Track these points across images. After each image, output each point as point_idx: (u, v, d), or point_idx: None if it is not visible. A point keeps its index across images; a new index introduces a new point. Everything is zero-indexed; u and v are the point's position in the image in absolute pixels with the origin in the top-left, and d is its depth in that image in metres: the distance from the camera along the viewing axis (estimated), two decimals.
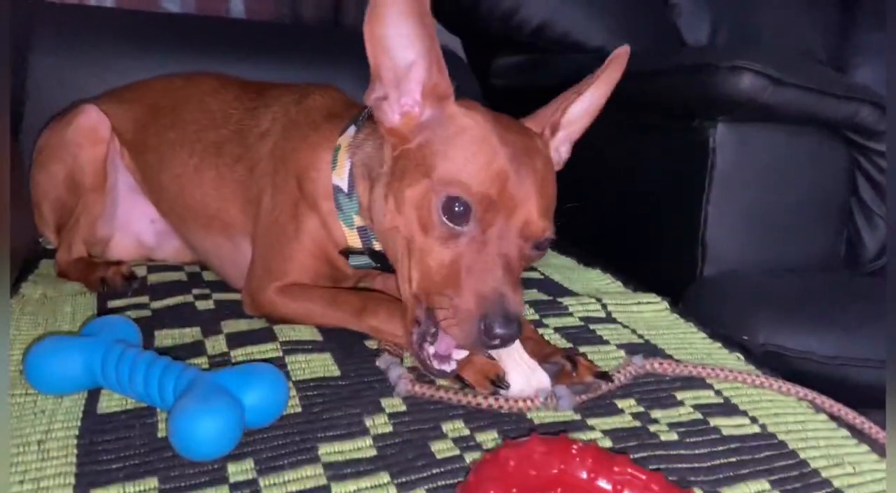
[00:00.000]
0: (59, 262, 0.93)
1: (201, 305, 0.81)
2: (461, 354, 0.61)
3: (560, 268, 1.01)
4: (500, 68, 1.90)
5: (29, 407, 0.59)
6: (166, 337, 0.72)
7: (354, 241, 0.74)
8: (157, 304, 0.81)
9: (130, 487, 0.50)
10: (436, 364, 0.61)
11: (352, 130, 0.75)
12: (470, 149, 0.62)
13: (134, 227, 0.98)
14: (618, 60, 0.73)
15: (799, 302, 1.08)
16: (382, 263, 0.72)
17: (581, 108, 0.74)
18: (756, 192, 1.15)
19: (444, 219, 0.60)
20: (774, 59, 1.08)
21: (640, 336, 0.78)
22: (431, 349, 0.60)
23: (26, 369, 0.60)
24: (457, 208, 0.60)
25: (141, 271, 0.92)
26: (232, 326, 0.74)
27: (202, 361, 0.66)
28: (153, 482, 0.50)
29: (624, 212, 1.33)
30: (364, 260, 0.75)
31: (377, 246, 0.72)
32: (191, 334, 0.73)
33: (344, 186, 0.73)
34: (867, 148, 1.17)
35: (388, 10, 0.60)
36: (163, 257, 0.99)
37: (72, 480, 0.50)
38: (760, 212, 1.16)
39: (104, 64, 1.10)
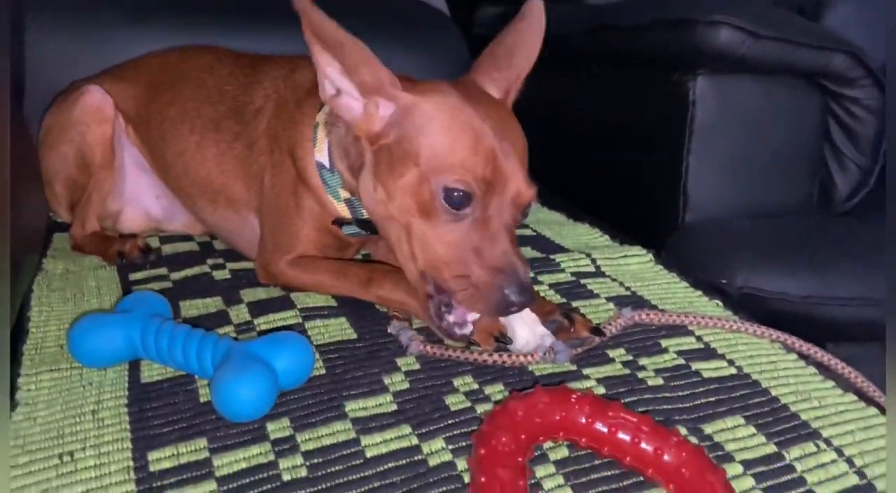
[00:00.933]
0: (73, 236, 0.97)
1: (218, 275, 0.86)
2: (475, 316, 0.67)
3: (551, 223, 1.07)
4: (482, 18, 1.92)
5: (76, 380, 0.65)
6: (191, 307, 0.78)
7: (344, 212, 0.79)
8: (175, 275, 0.86)
9: (183, 447, 0.56)
10: (457, 330, 0.67)
11: (326, 108, 0.78)
12: (452, 134, 0.65)
13: (142, 201, 1.02)
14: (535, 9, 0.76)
15: (774, 245, 1.15)
16: (373, 230, 0.76)
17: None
18: (734, 141, 1.21)
19: (447, 206, 0.64)
20: (751, 13, 1.11)
21: (628, 288, 0.85)
22: (451, 318, 0.66)
23: (71, 345, 0.66)
24: (456, 195, 0.64)
25: (154, 243, 0.97)
26: (251, 295, 0.80)
27: (229, 329, 0.72)
28: (203, 442, 0.57)
29: (609, 164, 1.38)
30: (355, 229, 0.80)
31: (365, 215, 0.76)
32: (213, 303, 0.78)
33: (326, 162, 0.77)
34: (839, 95, 1.22)
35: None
36: (172, 228, 1.03)
37: (129, 445, 0.57)
38: (739, 160, 1.22)
39: (103, 37, 1.12)
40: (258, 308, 0.76)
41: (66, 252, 0.97)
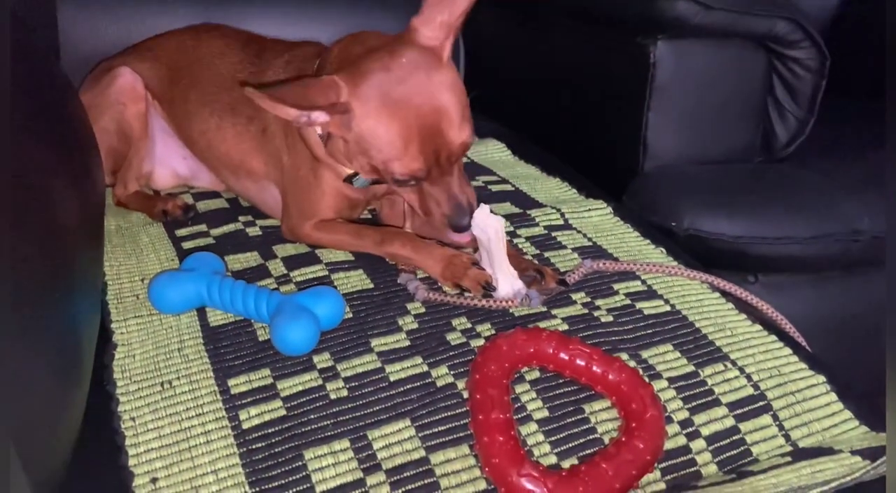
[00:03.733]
0: (116, 195, 1.13)
1: (251, 231, 1.03)
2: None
3: (527, 178, 1.24)
4: None
5: (157, 324, 0.83)
6: (235, 262, 0.95)
7: (350, 170, 0.94)
8: (215, 231, 1.03)
9: (253, 375, 0.75)
10: (456, 238, 0.89)
11: None
12: (389, 133, 0.79)
13: (171, 162, 1.17)
14: None
15: (716, 190, 1.34)
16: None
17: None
18: (689, 98, 1.38)
19: (401, 183, 0.84)
20: None
21: (590, 240, 1.03)
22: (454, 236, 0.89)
23: (151, 296, 0.83)
24: (405, 179, 0.83)
25: (188, 200, 1.12)
26: (282, 250, 0.96)
27: (271, 281, 0.90)
28: (267, 372, 0.75)
29: (580, 115, 1.54)
30: (363, 180, 0.95)
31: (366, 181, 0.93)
32: (252, 257, 0.95)
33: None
34: (782, 55, 1.39)
35: None
36: (199, 185, 1.18)
37: (211, 374, 0.75)
38: (692, 114, 1.40)
39: (132, 10, 1.22)
40: (291, 263, 0.93)
41: (112, 208, 1.12)
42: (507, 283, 0.86)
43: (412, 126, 0.80)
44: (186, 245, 0.99)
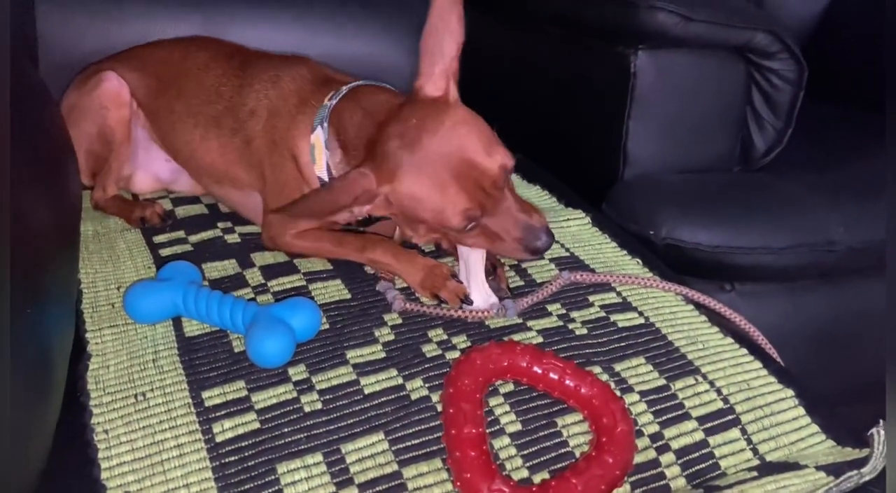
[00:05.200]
0: (95, 199, 1.12)
1: (230, 238, 1.02)
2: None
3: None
4: None
5: (133, 334, 0.83)
6: (212, 270, 0.94)
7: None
8: (193, 238, 1.02)
9: (227, 387, 0.75)
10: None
11: (319, 131, 0.92)
12: (435, 195, 0.81)
13: (152, 166, 1.16)
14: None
15: (694, 199, 1.35)
16: (369, 223, 0.95)
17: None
18: (670, 107, 1.39)
19: (465, 231, 0.84)
20: None
21: (567, 250, 1.04)
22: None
23: (127, 306, 0.83)
24: (466, 226, 0.83)
25: (167, 206, 1.12)
26: (260, 259, 0.96)
27: (248, 291, 0.90)
28: (241, 384, 0.76)
29: (561, 122, 1.55)
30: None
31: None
32: (230, 266, 0.95)
33: (325, 177, 0.93)
34: (761, 66, 1.40)
35: None
36: (179, 189, 1.18)
37: (185, 386, 0.75)
38: (672, 123, 1.41)
39: (112, 11, 1.21)
40: (269, 272, 0.93)
41: (89, 212, 1.11)
42: (481, 296, 0.86)
43: (442, 173, 0.81)
44: (164, 252, 0.99)
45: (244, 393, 0.75)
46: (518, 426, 0.73)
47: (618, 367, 0.81)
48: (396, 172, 0.82)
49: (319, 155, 0.93)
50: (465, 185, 0.81)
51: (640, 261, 1.04)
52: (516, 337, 0.83)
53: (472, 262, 0.87)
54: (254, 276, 0.93)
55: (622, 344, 0.85)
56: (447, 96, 0.86)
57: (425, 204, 0.83)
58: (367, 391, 0.75)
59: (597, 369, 0.80)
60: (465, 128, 0.84)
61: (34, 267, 0.66)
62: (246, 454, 0.68)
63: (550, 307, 0.90)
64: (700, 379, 0.81)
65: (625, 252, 1.06)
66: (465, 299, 0.87)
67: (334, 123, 0.92)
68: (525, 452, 0.71)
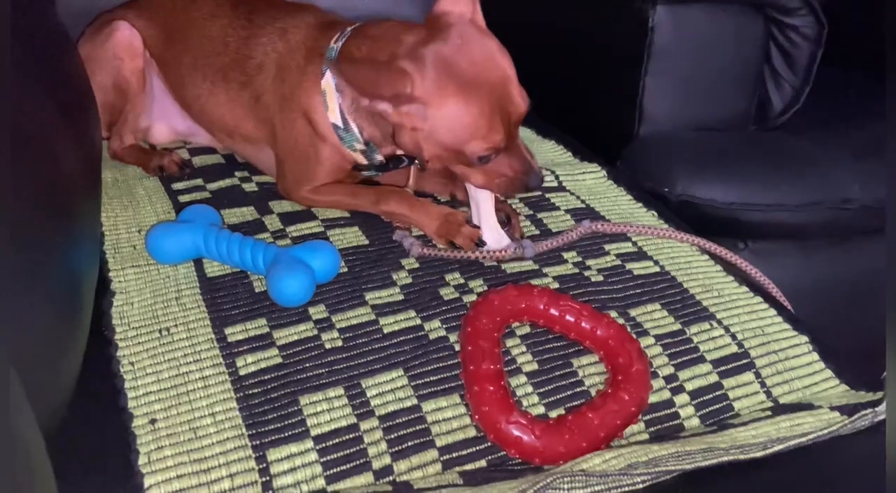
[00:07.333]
0: (112, 148, 1.13)
1: (247, 187, 1.03)
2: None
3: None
4: None
5: (155, 274, 0.84)
6: (231, 215, 0.95)
7: (361, 159, 0.94)
8: (211, 186, 1.03)
9: (249, 324, 0.76)
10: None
11: (328, 75, 0.89)
12: (466, 117, 0.80)
13: (168, 118, 1.16)
14: None
15: (709, 157, 1.35)
16: (386, 169, 0.94)
17: None
18: (687, 63, 1.37)
19: (478, 162, 0.83)
20: None
21: (583, 202, 1.04)
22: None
23: (149, 246, 0.84)
24: (486, 156, 0.83)
25: (184, 155, 1.13)
26: (278, 207, 0.97)
27: (267, 235, 0.91)
28: (263, 321, 0.77)
29: (577, 79, 1.54)
30: (373, 171, 0.97)
31: (379, 158, 0.93)
32: (249, 212, 0.96)
33: (339, 123, 0.91)
34: (780, 22, 1.38)
35: None
36: (196, 141, 1.18)
37: (209, 323, 0.76)
38: (689, 80, 1.39)
39: None
40: (287, 219, 0.94)
41: (108, 161, 1.12)
42: (493, 236, 0.87)
43: (488, 101, 0.80)
44: (183, 198, 0.99)
45: (266, 330, 0.76)
46: (535, 366, 0.74)
47: (633, 312, 0.82)
48: (444, 89, 0.79)
49: (331, 100, 0.91)
50: (504, 116, 0.81)
51: (655, 213, 1.04)
52: (532, 282, 0.84)
53: (482, 200, 0.88)
54: (272, 222, 0.94)
55: (637, 291, 0.86)
56: (480, 22, 0.84)
57: (461, 129, 0.81)
58: (385, 331, 0.76)
59: (613, 314, 0.81)
60: (506, 59, 0.82)
61: (65, 204, 0.67)
62: (269, 386, 0.69)
63: (566, 255, 0.91)
64: (715, 324, 0.82)
65: (640, 205, 1.06)
66: (481, 244, 0.87)
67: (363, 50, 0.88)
68: (541, 390, 0.72)
